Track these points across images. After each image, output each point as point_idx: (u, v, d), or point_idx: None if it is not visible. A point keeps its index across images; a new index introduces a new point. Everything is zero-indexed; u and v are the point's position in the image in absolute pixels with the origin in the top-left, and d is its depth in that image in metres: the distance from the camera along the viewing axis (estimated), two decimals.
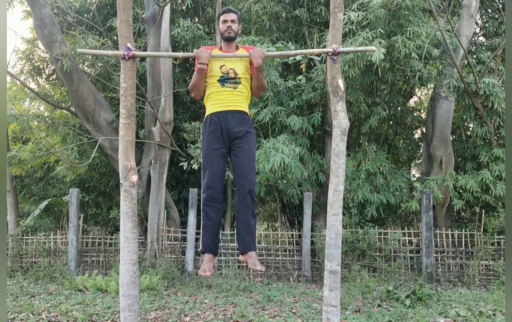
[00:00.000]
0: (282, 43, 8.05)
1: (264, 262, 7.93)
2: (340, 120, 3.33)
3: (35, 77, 10.26)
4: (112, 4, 9.41)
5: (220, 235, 3.34)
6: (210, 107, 3.31)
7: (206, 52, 3.24)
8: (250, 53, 3.28)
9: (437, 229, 7.94)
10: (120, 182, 3.27)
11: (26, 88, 10.01)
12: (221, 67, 3.27)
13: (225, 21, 3.33)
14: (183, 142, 8.73)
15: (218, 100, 3.26)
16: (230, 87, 3.26)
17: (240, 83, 3.27)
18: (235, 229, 3.40)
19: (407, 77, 8.19)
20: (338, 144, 3.32)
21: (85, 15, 9.22)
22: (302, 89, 8.28)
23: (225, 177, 3.32)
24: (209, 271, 3.19)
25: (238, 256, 3.40)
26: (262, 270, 3.16)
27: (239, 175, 3.25)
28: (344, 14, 7.41)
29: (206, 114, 3.34)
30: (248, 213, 3.22)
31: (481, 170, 7.96)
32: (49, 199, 10.18)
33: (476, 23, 9.65)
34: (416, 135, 11.37)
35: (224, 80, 3.26)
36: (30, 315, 4.62)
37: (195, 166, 7.60)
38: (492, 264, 7.40)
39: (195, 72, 3.29)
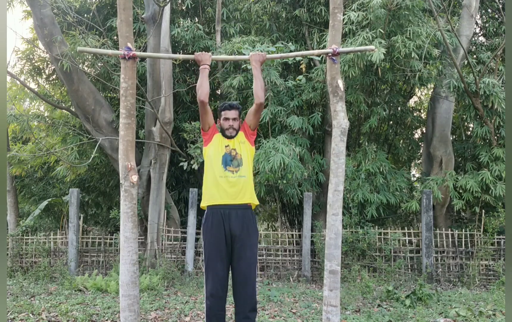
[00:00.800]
0: (282, 43, 8.05)
1: (264, 262, 7.94)
2: (340, 120, 3.33)
3: (35, 77, 10.26)
4: (112, 4, 9.41)
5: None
6: (211, 196, 3.17)
7: (206, 54, 3.30)
8: (250, 55, 3.35)
9: (437, 229, 7.93)
10: (120, 182, 3.27)
11: (26, 88, 10.01)
12: (226, 146, 3.23)
13: (226, 119, 3.28)
14: (183, 142, 8.73)
15: (220, 189, 3.14)
16: (232, 171, 3.17)
17: (242, 165, 3.19)
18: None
19: (407, 77, 8.19)
20: (338, 144, 3.32)
21: (85, 15, 9.22)
22: (302, 89, 8.28)
23: (228, 280, 3.24)
24: None
25: None
26: None
27: (239, 285, 3.15)
28: (344, 14, 7.42)
29: (207, 204, 3.20)
30: None
31: (481, 170, 7.96)
32: (49, 199, 10.18)
33: (476, 23, 9.65)
34: (416, 135, 11.37)
35: (227, 160, 3.19)
36: (30, 315, 4.62)
37: (195, 166, 7.60)
38: (492, 264, 7.40)
39: (200, 73, 3.28)
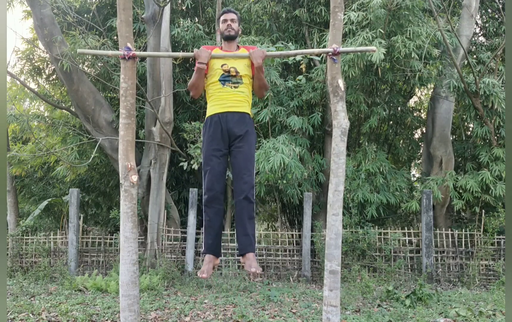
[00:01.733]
0: (282, 43, 8.05)
1: (264, 262, 7.94)
2: (340, 120, 3.33)
3: (35, 77, 10.26)
4: (112, 4, 9.41)
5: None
6: (211, 108, 3.29)
7: (206, 52, 3.22)
8: (250, 53, 3.27)
9: (437, 229, 7.94)
10: (120, 182, 3.27)
11: (26, 88, 10.01)
12: (222, 65, 3.26)
13: (225, 20, 3.33)
14: (183, 142, 8.73)
15: (219, 100, 3.25)
16: (231, 86, 3.24)
17: (241, 82, 3.25)
18: (235, 231, 3.36)
19: (407, 77, 8.19)
20: (338, 144, 3.32)
21: (85, 15, 9.22)
22: (302, 89, 8.28)
23: (226, 177, 3.32)
24: (206, 273, 3.18)
25: (238, 256, 3.39)
26: (258, 271, 3.13)
27: (236, 177, 3.24)
28: (344, 14, 7.41)
29: (206, 115, 3.32)
30: (245, 215, 3.21)
31: (481, 170, 7.96)
32: (49, 199, 10.18)
33: (476, 23, 9.65)
34: (416, 135, 11.37)
35: (224, 78, 3.24)
36: (30, 315, 4.62)
37: (195, 166, 7.60)
38: (492, 264, 7.40)
39: (194, 72, 3.28)
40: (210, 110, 3.30)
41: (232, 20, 3.32)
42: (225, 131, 3.22)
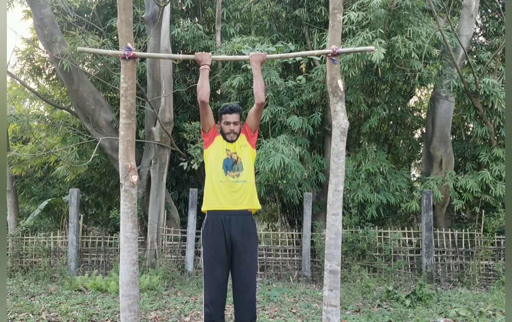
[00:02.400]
0: (282, 43, 8.05)
1: (264, 262, 7.94)
2: (340, 120, 3.33)
3: (35, 77, 10.26)
4: (112, 4, 9.42)
5: None
6: (211, 201, 3.15)
7: (206, 54, 3.28)
8: (250, 55, 3.33)
9: (437, 229, 7.93)
10: (120, 182, 3.27)
11: (26, 88, 10.01)
12: (226, 150, 3.20)
13: (227, 123, 3.24)
14: (183, 142, 8.73)
15: (221, 194, 3.12)
16: (233, 176, 3.14)
17: (242, 169, 3.16)
18: None
19: (407, 77, 8.19)
20: (338, 144, 3.32)
21: (85, 15, 9.22)
22: (302, 89, 8.28)
23: (227, 286, 3.23)
24: None
25: None
26: None
27: (239, 291, 3.12)
28: (344, 14, 7.42)
29: (207, 209, 3.17)
30: None
31: (481, 170, 7.96)
32: (49, 199, 10.18)
33: (476, 23, 9.65)
34: (416, 135, 11.37)
35: (227, 164, 3.16)
36: (30, 315, 4.62)
37: (195, 166, 7.60)
38: (492, 264, 7.40)
39: (200, 74, 3.27)
40: (211, 203, 3.15)
41: (235, 123, 3.23)
42: (228, 240, 3.08)
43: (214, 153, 3.21)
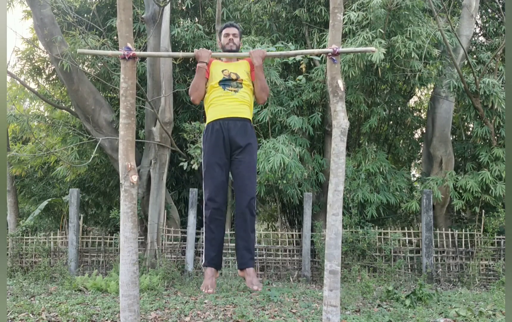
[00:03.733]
0: (282, 43, 8.05)
1: (264, 262, 7.94)
2: (340, 120, 3.33)
3: (35, 77, 10.26)
4: (112, 4, 9.42)
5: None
6: (212, 113, 3.24)
7: (206, 51, 3.27)
8: (250, 52, 3.31)
9: (437, 229, 7.94)
10: (120, 182, 3.27)
11: (26, 88, 10.01)
12: (223, 71, 3.24)
13: (227, 35, 3.32)
14: (183, 142, 8.73)
15: (220, 105, 3.20)
16: (232, 91, 3.20)
17: (241, 87, 3.22)
18: (235, 243, 3.32)
19: (407, 77, 8.19)
20: (338, 144, 3.32)
21: (85, 15, 9.23)
22: (302, 89, 8.28)
23: (227, 187, 3.30)
24: (212, 288, 3.12)
25: (237, 269, 3.33)
26: (259, 289, 3.10)
27: (238, 188, 3.18)
28: (344, 14, 7.42)
29: (207, 121, 3.27)
30: (246, 228, 3.16)
31: (481, 170, 7.96)
32: (49, 199, 10.18)
33: (476, 23, 9.65)
34: (416, 135, 11.37)
35: (225, 82, 3.21)
36: (30, 315, 4.61)
37: (195, 166, 7.60)
38: (492, 264, 7.40)
39: (196, 73, 3.27)
40: (211, 116, 3.24)
41: (234, 35, 3.32)
42: (227, 141, 3.17)
43: (211, 80, 3.26)
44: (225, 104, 3.19)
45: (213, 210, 3.15)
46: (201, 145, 3.34)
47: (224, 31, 3.35)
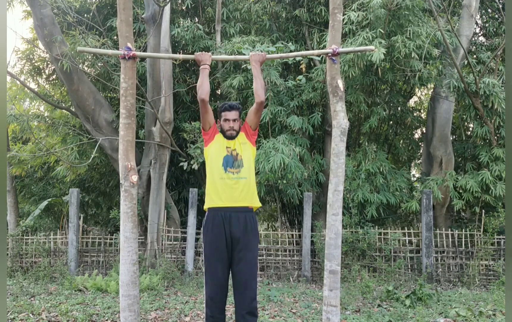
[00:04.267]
0: (282, 43, 8.05)
1: (264, 262, 7.94)
2: (340, 120, 3.33)
3: (35, 77, 10.26)
4: (112, 4, 9.41)
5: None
6: (212, 199, 3.15)
7: (206, 54, 3.30)
8: (250, 55, 3.35)
9: (437, 229, 7.93)
10: (120, 182, 3.27)
11: (26, 88, 10.01)
12: (227, 147, 3.20)
13: (227, 120, 3.25)
14: (183, 142, 8.73)
15: (221, 191, 3.12)
16: (233, 172, 3.14)
17: (242, 166, 3.16)
18: None
19: (407, 77, 8.18)
20: (338, 144, 3.32)
21: (85, 15, 9.22)
22: (302, 89, 8.28)
23: (228, 284, 3.22)
24: None
25: None
26: None
27: (239, 289, 3.11)
28: (344, 14, 7.42)
29: (208, 205, 3.17)
30: None
31: (481, 170, 7.96)
32: (49, 199, 10.18)
33: (476, 23, 9.65)
34: (416, 135, 11.37)
35: (228, 161, 3.16)
36: (30, 315, 4.62)
37: (195, 166, 7.60)
38: (492, 264, 7.40)
39: (200, 73, 3.28)
40: (212, 200, 3.15)
41: (234, 120, 3.24)
42: (228, 237, 3.08)
43: (214, 151, 3.22)
44: (227, 192, 3.12)
45: (213, 308, 3.10)
46: (203, 235, 3.23)
47: (223, 115, 3.27)
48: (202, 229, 3.25)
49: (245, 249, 3.10)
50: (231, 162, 3.17)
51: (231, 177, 3.13)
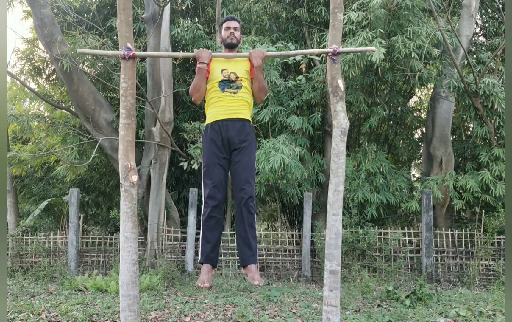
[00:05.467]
0: (282, 43, 8.05)
1: (264, 262, 7.94)
2: (340, 120, 3.33)
3: (35, 77, 10.26)
4: (112, 4, 9.42)
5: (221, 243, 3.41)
6: (211, 115, 3.26)
7: (206, 51, 3.27)
8: (250, 53, 3.30)
9: (437, 229, 7.93)
10: (120, 182, 3.27)
11: (26, 88, 10.01)
12: (222, 71, 3.24)
13: (227, 28, 3.32)
14: (183, 142, 8.73)
15: (219, 107, 3.22)
16: (230, 92, 3.21)
17: (241, 87, 3.22)
18: (236, 242, 3.36)
19: (407, 77, 8.19)
20: (338, 144, 3.32)
21: (85, 15, 9.22)
22: (302, 89, 8.28)
23: (226, 186, 3.30)
24: (208, 282, 3.14)
25: (239, 266, 3.35)
26: (260, 284, 3.11)
27: (236, 188, 3.21)
28: (344, 14, 7.42)
29: (206, 122, 3.29)
30: (245, 226, 3.18)
31: (481, 170, 7.96)
32: (49, 199, 10.18)
33: (476, 23, 9.65)
34: (416, 135, 11.38)
35: (224, 84, 3.21)
36: (30, 315, 4.61)
37: (195, 166, 7.60)
38: (492, 264, 7.40)
39: (196, 73, 3.27)
40: (210, 117, 3.27)
41: (235, 28, 3.31)
42: (225, 140, 3.20)
43: (210, 78, 3.27)
44: (224, 106, 3.21)
45: (212, 207, 3.18)
46: (201, 145, 3.35)
47: (225, 25, 3.35)
48: (201, 139, 3.35)
49: (243, 152, 3.21)
50: (228, 83, 3.23)
51: (229, 96, 3.22)
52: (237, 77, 3.23)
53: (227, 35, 3.30)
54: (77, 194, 8.05)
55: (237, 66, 3.28)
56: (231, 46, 3.32)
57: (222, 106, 3.21)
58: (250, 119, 3.34)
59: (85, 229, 8.94)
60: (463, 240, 7.65)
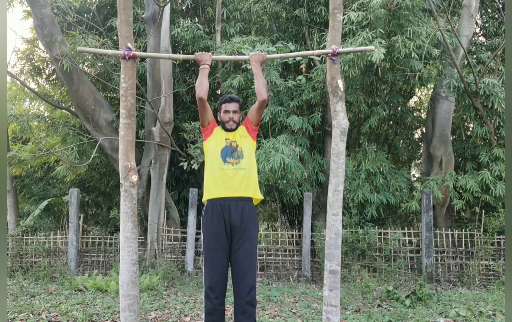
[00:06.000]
0: (282, 43, 8.05)
1: (264, 262, 7.94)
2: (340, 120, 3.33)
3: (35, 77, 10.26)
4: (112, 4, 9.41)
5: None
6: (211, 188, 3.14)
7: (206, 54, 3.32)
8: (250, 55, 3.36)
9: (437, 229, 7.93)
10: (120, 182, 3.27)
11: (26, 88, 10.01)
12: (226, 139, 3.20)
13: (226, 112, 3.26)
14: (183, 142, 8.73)
15: (219, 181, 3.10)
16: (232, 163, 3.12)
17: (242, 157, 3.14)
18: None
19: (407, 77, 8.19)
20: (338, 144, 3.32)
21: (85, 15, 9.22)
22: (302, 89, 8.28)
23: (227, 274, 3.15)
24: None
25: None
26: None
27: (238, 278, 3.10)
28: (344, 14, 7.42)
29: (206, 196, 3.16)
30: (246, 320, 3.08)
31: (481, 170, 7.96)
32: (49, 199, 10.18)
33: (476, 23, 9.65)
34: (416, 135, 11.37)
35: (227, 152, 3.15)
36: (30, 315, 4.61)
37: (195, 166, 7.60)
38: (492, 264, 7.40)
39: (200, 72, 3.29)
40: (210, 192, 3.14)
41: (234, 111, 3.26)
42: (228, 225, 3.08)
43: (213, 144, 3.22)
44: (225, 182, 3.09)
45: (213, 298, 3.08)
46: (201, 227, 3.20)
47: (223, 107, 3.28)
48: (201, 219, 3.23)
49: (244, 238, 3.09)
50: (230, 152, 3.16)
51: (230, 168, 3.12)
52: (237, 145, 3.19)
53: (226, 120, 3.25)
54: (77, 194, 8.05)
55: (237, 136, 3.24)
56: (229, 130, 3.25)
57: (223, 182, 3.09)
58: (255, 194, 3.19)
59: (85, 229, 8.94)
60: (463, 240, 7.65)
